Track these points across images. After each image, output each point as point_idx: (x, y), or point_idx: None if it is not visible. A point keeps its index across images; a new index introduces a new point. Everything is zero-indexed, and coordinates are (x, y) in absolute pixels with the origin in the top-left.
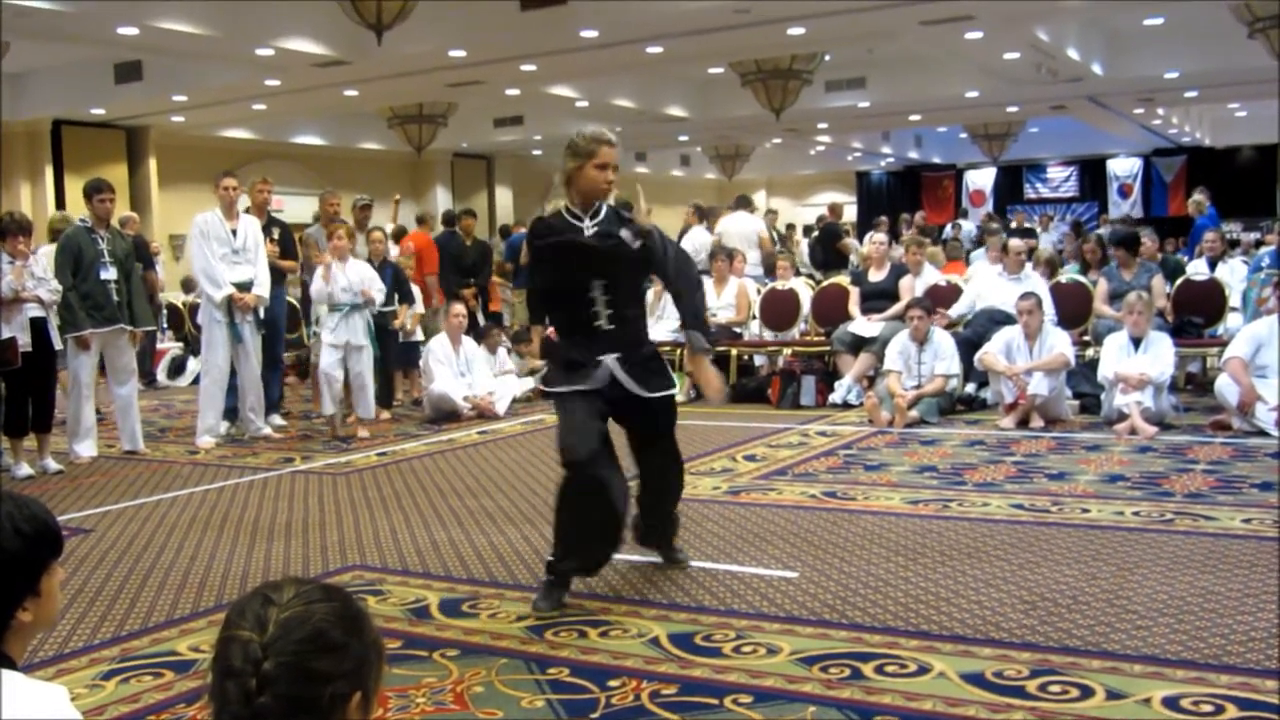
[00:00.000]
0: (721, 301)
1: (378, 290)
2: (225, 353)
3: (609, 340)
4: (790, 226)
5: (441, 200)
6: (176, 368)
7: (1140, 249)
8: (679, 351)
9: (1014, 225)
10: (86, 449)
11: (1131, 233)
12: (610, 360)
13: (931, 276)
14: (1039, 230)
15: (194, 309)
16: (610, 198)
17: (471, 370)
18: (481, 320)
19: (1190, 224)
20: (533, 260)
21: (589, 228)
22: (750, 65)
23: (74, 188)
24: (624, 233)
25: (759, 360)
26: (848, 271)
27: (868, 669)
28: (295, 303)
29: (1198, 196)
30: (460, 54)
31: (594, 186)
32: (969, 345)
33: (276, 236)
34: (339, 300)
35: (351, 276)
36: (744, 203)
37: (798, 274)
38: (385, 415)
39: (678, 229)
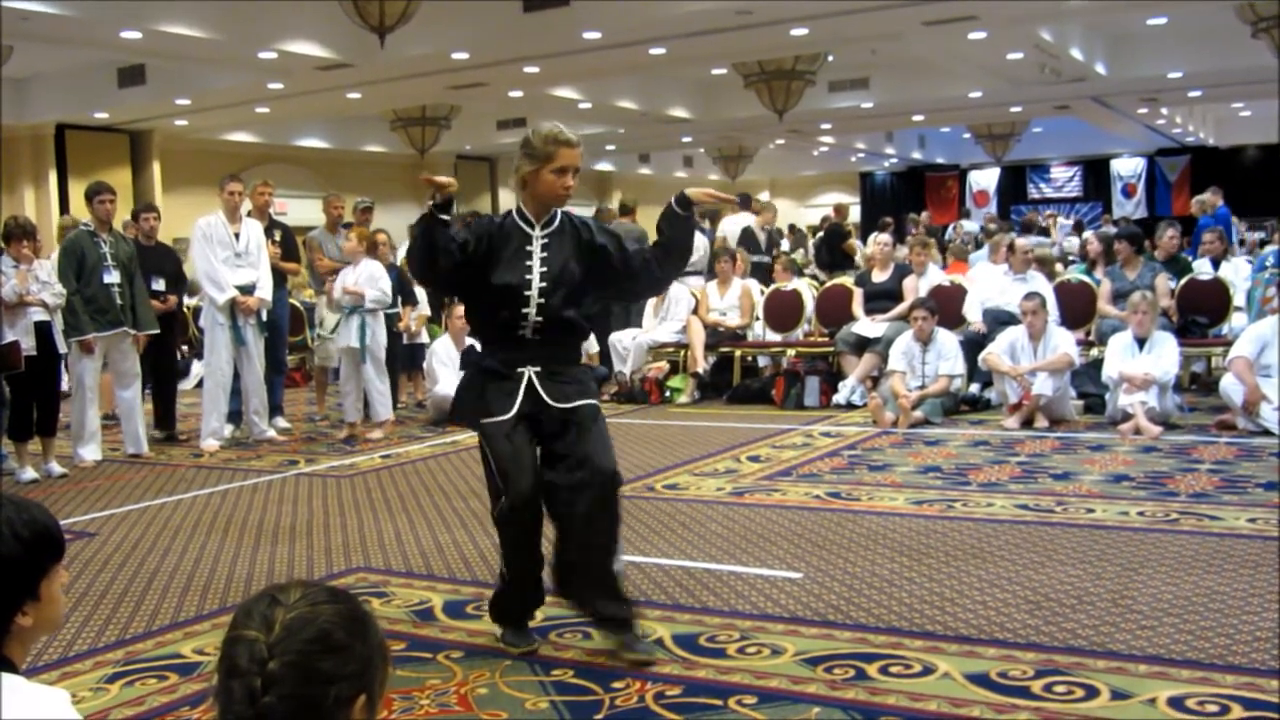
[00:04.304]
0: (725, 303)
1: (374, 290)
2: (228, 355)
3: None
4: (792, 227)
5: None
6: (180, 371)
7: (1144, 246)
8: (683, 353)
9: (1043, 224)
10: (90, 452)
11: (1135, 229)
12: (530, 372)
13: (935, 277)
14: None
15: (197, 312)
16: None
17: None
18: None
19: (1195, 224)
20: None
21: (539, 237)
22: (753, 66)
23: (78, 192)
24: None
25: (763, 361)
26: (851, 272)
27: (872, 669)
28: (299, 305)
29: (1204, 196)
30: (463, 56)
31: (550, 193)
32: (973, 345)
33: (278, 238)
34: (340, 303)
35: (358, 276)
36: (745, 202)
37: (800, 274)
38: (389, 417)
39: None
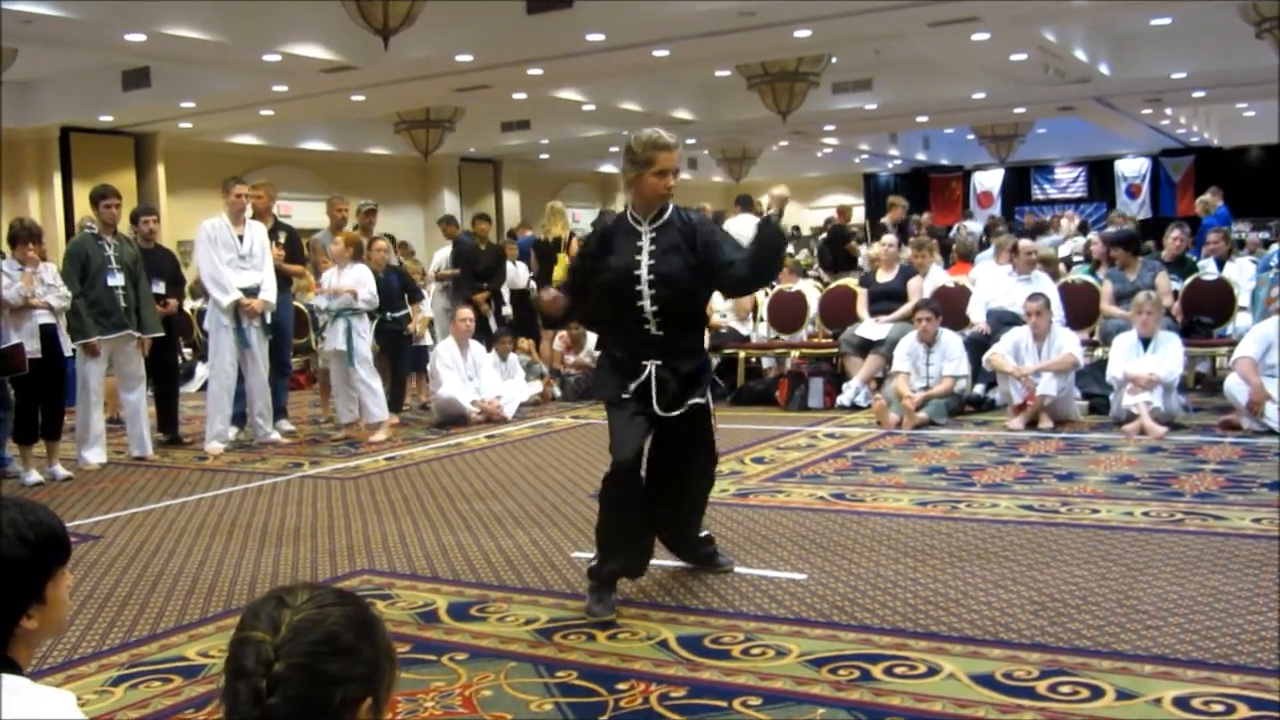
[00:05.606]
0: (727, 304)
1: (361, 292)
2: (232, 358)
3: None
4: (796, 228)
5: (449, 205)
6: (185, 373)
7: (1140, 247)
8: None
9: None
10: (95, 455)
11: (1130, 233)
12: (652, 366)
13: (939, 278)
14: (1050, 230)
15: (201, 315)
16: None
17: (479, 374)
18: (494, 325)
19: (1199, 224)
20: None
21: (647, 232)
22: (757, 68)
23: (82, 195)
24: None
25: (767, 362)
26: (854, 273)
27: (877, 670)
28: (304, 308)
29: (1206, 196)
30: (467, 58)
31: (654, 193)
32: (977, 346)
33: (283, 240)
34: (325, 305)
35: (344, 281)
36: (747, 204)
37: (804, 276)
38: (393, 420)
39: None
